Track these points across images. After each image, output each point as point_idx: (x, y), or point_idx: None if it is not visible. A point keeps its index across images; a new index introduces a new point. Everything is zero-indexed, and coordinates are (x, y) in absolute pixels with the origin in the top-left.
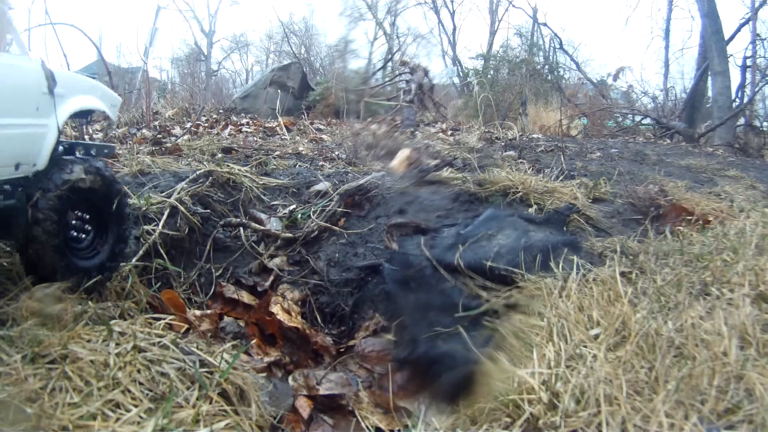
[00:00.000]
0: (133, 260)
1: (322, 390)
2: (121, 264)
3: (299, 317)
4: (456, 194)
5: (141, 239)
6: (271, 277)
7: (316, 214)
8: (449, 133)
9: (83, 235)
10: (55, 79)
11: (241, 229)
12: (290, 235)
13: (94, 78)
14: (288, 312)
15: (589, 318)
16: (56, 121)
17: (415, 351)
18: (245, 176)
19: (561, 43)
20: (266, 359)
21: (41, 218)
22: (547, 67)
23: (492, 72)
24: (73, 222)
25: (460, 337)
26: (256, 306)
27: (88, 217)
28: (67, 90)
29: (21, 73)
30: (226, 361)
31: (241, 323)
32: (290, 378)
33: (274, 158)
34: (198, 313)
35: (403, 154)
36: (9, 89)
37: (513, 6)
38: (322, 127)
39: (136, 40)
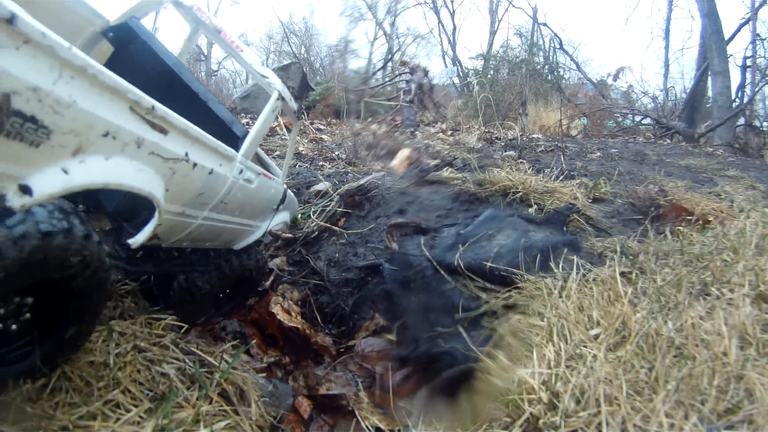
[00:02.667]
0: None
1: (322, 390)
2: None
3: (299, 317)
4: (456, 194)
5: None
6: (271, 278)
7: (316, 214)
8: (449, 133)
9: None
10: (284, 201)
11: None
12: (290, 235)
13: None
14: (288, 312)
15: (589, 318)
16: (268, 226)
17: (417, 350)
18: None
19: (561, 43)
20: (266, 359)
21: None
22: (547, 67)
23: (492, 72)
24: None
25: (460, 337)
26: (256, 306)
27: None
28: (285, 207)
29: (275, 193)
30: (226, 361)
31: (242, 320)
32: (290, 378)
33: (275, 158)
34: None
35: (403, 154)
36: (263, 203)
37: (513, 6)
38: (322, 127)
39: None
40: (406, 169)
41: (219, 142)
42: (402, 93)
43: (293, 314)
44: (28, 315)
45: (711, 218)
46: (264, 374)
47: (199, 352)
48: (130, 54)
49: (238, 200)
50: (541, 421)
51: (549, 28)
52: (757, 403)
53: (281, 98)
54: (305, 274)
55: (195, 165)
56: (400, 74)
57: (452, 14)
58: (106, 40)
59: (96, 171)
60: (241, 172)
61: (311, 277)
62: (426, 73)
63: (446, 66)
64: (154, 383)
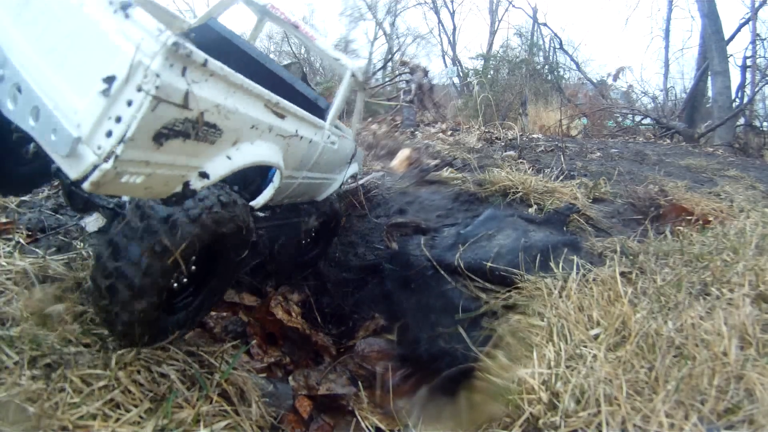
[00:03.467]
0: None
1: (322, 390)
2: None
3: (299, 317)
4: (456, 194)
5: None
6: (272, 278)
7: None
8: (449, 133)
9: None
10: (355, 154)
11: None
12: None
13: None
14: (288, 312)
15: (589, 318)
16: (341, 179)
17: (417, 350)
18: None
19: (561, 43)
20: (267, 359)
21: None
22: (547, 67)
23: (492, 72)
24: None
25: (460, 337)
26: (257, 307)
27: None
28: (355, 160)
29: (349, 150)
30: (226, 361)
31: (244, 318)
32: (290, 378)
33: None
34: (213, 314)
35: (403, 154)
36: (338, 159)
37: (513, 6)
38: None
39: None
40: (406, 169)
41: (314, 117)
42: (402, 93)
43: (293, 314)
44: (193, 267)
45: (711, 218)
46: (264, 374)
47: (200, 353)
48: (214, 50)
49: (325, 159)
50: (541, 421)
51: (549, 28)
52: (757, 403)
53: (353, 76)
54: (305, 275)
55: (301, 138)
56: (400, 74)
57: (452, 14)
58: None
59: (247, 154)
60: (328, 137)
61: (311, 278)
62: (426, 73)
63: (446, 66)
64: (154, 383)
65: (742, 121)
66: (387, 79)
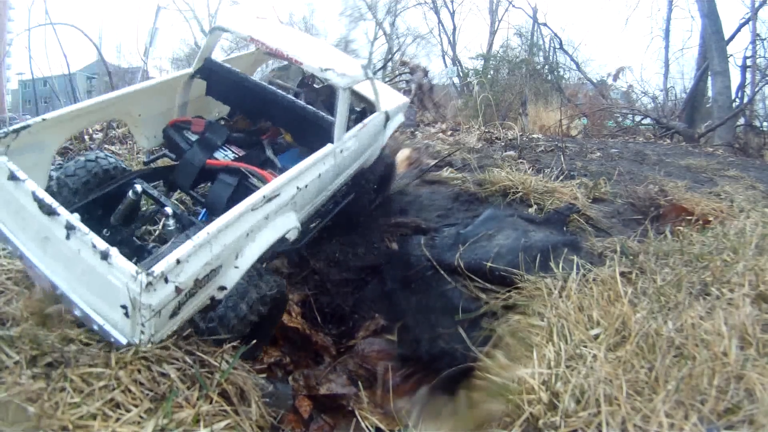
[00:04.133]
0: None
1: (323, 390)
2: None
3: (299, 317)
4: (456, 194)
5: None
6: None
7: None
8: (449, 133)
9: (375, 187)
10: (389, 116)
11: None
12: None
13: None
14: (288, 312)
15: (589, 318)
16: (383, 141)
17: (418, 350)
18: None
19: (561, 43)
20: (266, 359)
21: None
22: (547, 67)
23: (492, 72)
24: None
25: (460, 338)
26: None
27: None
28: (394, 116)
29: (377, 124)
30: (226, 361)
31: None
32: (290, 378)
33: None
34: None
35: (403, 154)
36: (369, 140)
37: (513, 6)
38: None
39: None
40: (406, 169)
41: (314, 157)
42: (402, 93)
43: (293, 314)
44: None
45: (711, 218)
46: (264, 374)
47: (199, 353)
48: (220, 82)
49: (348, 159)
50: (541, 421)
51: (549, 28)
52: (757, 403)
53: (347, 89)
54: (305, 275)
55: (306, 185)
56: (400, 74)
57: (452, 14)
58: (199, 78)
59: (254, 251)
60: (341, 151)
61: (311, 278)
62: (426, 73)
63: (446, 66)
64: (154, 383)
65: (742, 121)
66: (387, 80)
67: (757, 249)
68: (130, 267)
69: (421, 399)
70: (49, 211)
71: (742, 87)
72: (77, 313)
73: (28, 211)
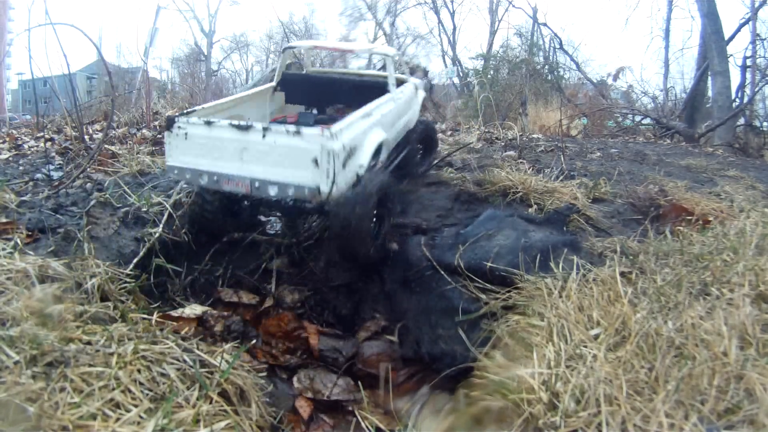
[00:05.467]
0: (134, 262)
1: (326, 393)
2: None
3: (299, 318)
4: (456, 194)
5: (142, 240)
6: (272, 279)
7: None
8: (449, 133)
9: (421, 148)
10: (417, 87)
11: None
12: (291, 240)
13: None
14: (288, 311)
15: (589, 318)
16: (417, 107)
17: (418, 351)
18: None
19: (561, 43)
20: (267, 359)
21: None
22: (547, 67)
23: (492, 72)
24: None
25: (460, 339)
26: (256, 305)
27: (423, 145)
28: (419, 88)
29: (411, 90)
30: (226, 361)
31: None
32: (295, 379)
33: None
34: (215, 313)
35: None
36: (408, 101)
37: (513, 6)
38: None
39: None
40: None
41: (384, 98)
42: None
43: (293, 314)
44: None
45: (711, 218)
46: (264, 374)
47: (200, 353)
48: (295, 90)
49: (401, 106)
50: (541, 421)
51: (549, 28)
52: (757, 403)
53: (394, 61)
54: (305, 275)
55: (383, 114)
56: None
57: (452, 14)
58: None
59: (373, 141)
60: (396, 98)
61: (311, 278)
62: (426, 73)
63: (446, 66)
64: (154, 383)
65: (742, 121)
66: None
67: (757, 249)
68: (317, 130)
69: (422, 398)
70: (246, 127)
71: (742, 87)
72: (273, 191)
73: (225, 138)
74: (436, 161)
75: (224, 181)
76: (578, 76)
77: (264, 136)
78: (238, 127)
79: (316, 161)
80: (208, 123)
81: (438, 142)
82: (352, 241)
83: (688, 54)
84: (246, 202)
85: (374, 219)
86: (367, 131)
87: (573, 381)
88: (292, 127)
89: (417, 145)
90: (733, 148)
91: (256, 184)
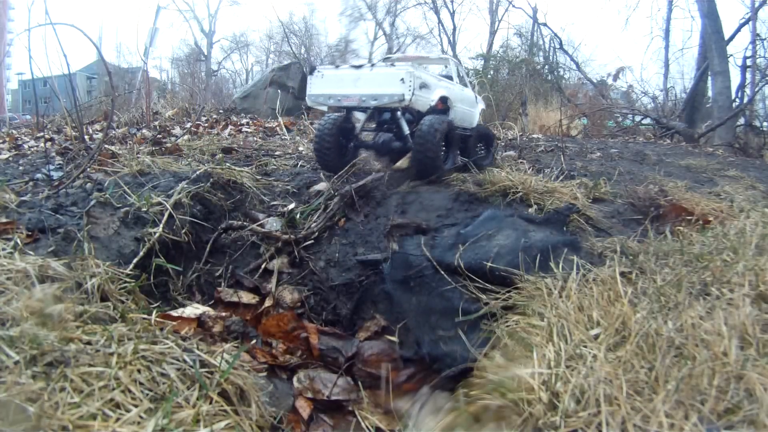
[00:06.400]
0: (134, 262)
1: (326, 393)
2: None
3: (299, 318)
4: (456, 194)
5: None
6: (272, 279)
7: (316, 214)
8: None
9: (482, 146)
10: (477, 98)
11: (242, 230)
12: (290, 236)
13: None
14: (288, 312)
15: (589, 318)
16: (478, 112)
17: (419, 351)
18: (246, 177)
19: (561, 43)
20: (267, 359)
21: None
22: (547, 67)
23: (492, 72)
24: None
25: (460, 339)
26: (256, 305)
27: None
28: (478, 99)
29: (472, 94)
30: (226, 361)
31: (246, 317)
32: (295, 379)
33: (275, 158)
34: (213, 314)
35: (403, 163)
36: (472, 99)
37: (513, 6)
38: None
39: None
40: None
41: (454, 82)
42: None
43: (293, 314)
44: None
45: (711, 218)
46: (264, 374)
47: (200, 353)
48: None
49: (468, 100)
50: (541, 421)
51: (549, 28)
52: (757, 403)
53: (456, 64)
54: (305, 275)
55: (448, 86)
56: None
57: (452, 14)
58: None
59: (438, 92)
60: (461, 89)
61: (311, 278)
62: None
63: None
64: (154, 383)
65: (742, 121)
66: None
67: (757, 249)
68: (405, 64)
69: (422, 398)
70: (359, 66)
71: (742, 87)
72: (373, 102)
73: (346, 74)
74: (497, 158)
75: (344, 99)
76: (578, 76)
77: (371, 68)
78: (355, 67)
79: (402, 80)
80: (336, 66)
81: (496, 142)
82: (430, 161)
83: (688, 54)
84: (354, 132)
85: (443, 148)
86: (437, 83)
87: (573, 381)
88: (388, 62)
89: (479, 142)
90: (733, 148)
91: (363, 98)
